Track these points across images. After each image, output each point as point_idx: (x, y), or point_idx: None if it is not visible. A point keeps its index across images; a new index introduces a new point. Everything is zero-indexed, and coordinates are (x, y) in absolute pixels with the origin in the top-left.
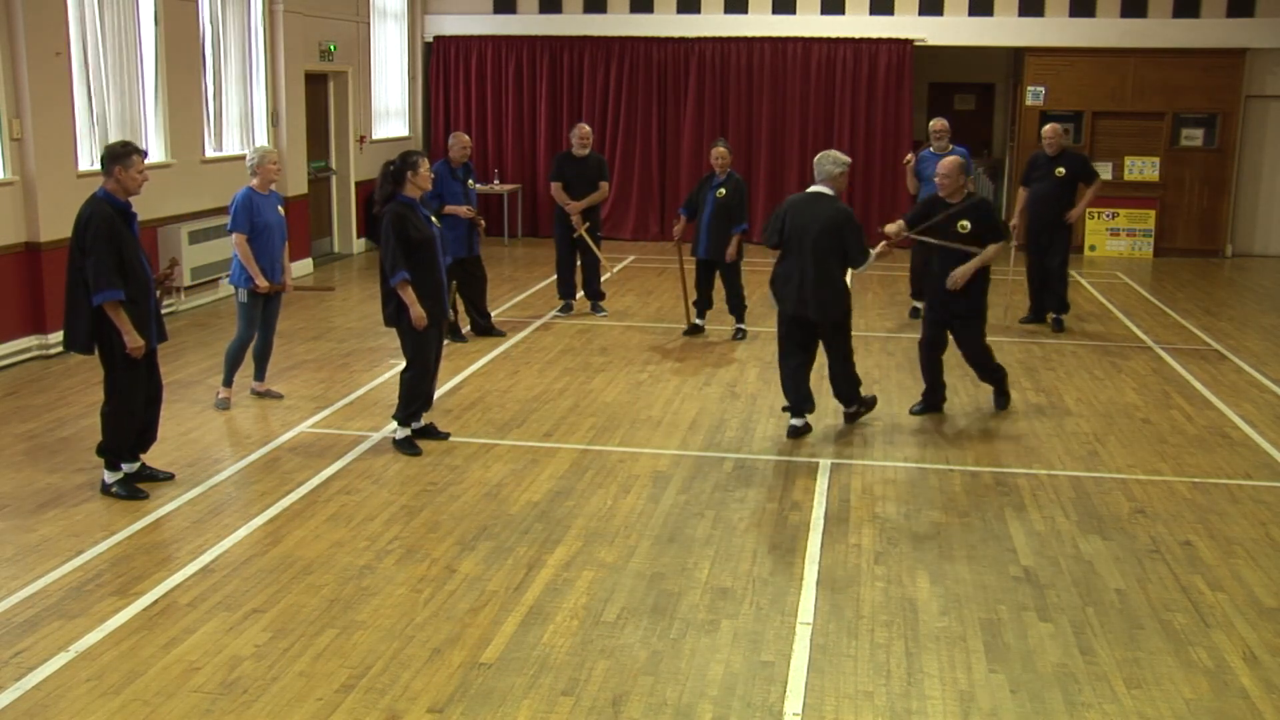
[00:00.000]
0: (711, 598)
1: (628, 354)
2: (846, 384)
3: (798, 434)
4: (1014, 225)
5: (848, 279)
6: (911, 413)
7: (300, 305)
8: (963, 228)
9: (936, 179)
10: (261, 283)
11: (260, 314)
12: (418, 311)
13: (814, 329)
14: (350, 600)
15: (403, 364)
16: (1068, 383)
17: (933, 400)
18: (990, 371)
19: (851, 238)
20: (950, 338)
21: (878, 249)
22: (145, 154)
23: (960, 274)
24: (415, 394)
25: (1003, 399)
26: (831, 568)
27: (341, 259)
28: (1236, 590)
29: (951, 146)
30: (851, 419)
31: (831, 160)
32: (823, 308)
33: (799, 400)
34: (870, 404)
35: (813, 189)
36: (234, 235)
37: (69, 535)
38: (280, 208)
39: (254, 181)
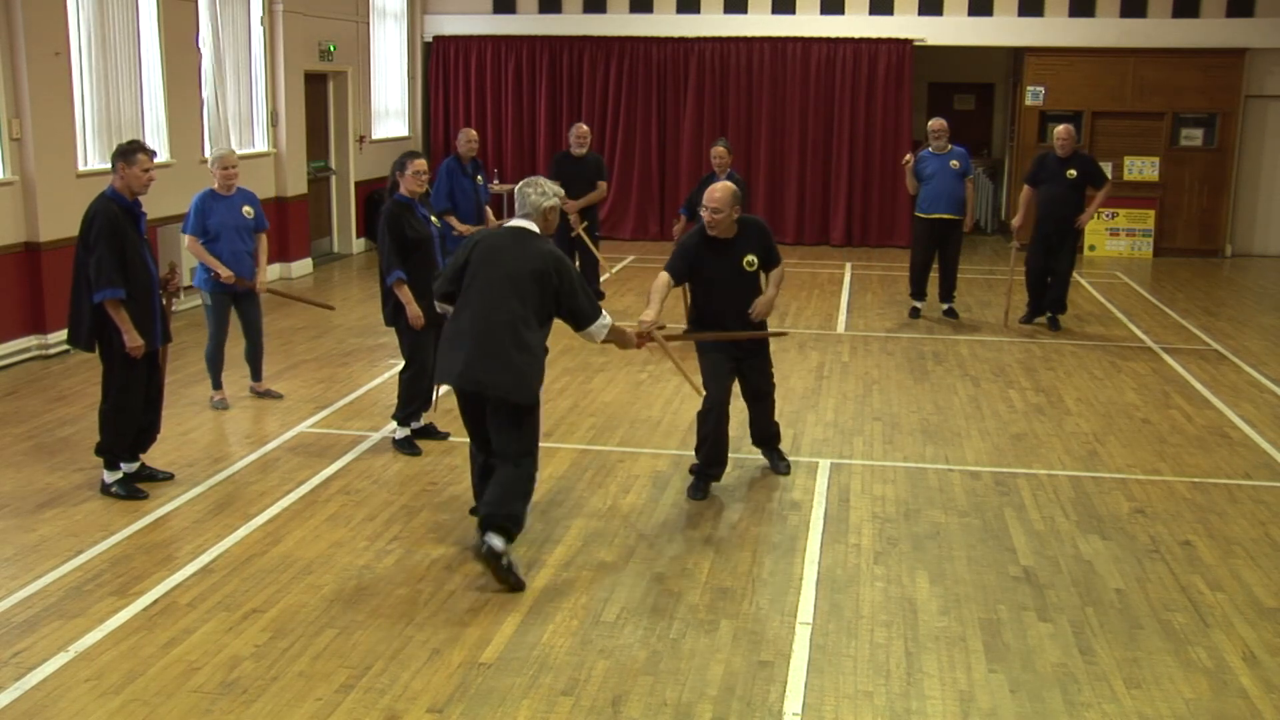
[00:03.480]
0: (711, 598)
1: (627, 354)
2: (510, 497)
3: (495, 559)
4: (1016, 224)
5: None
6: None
7: (301, 305)
8: (749, 264)
9: (704, 213)
10: (223, 271)
11: (230, 314)
12: (414, 311)
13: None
14: (350, 600)
15: (402, 364)
16: (1068, 383)
17: (716, 469)
18: (771, 411)
19: (573, 288)
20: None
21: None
22: (154, 153)
23: (765, 303)
24: (414, 394)
25: (783, 464)
26: (831, 568)
27: (341, 259)
28: (1236, 590)
29: (951, 146)
30: (494, 561)
31: (539, 190)
32: (505, 382)
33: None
34: (519, 529)
35: (512, 223)
36: (185, 237)
37: (69, 535)
38: (247, 209)
39: (215, 183)
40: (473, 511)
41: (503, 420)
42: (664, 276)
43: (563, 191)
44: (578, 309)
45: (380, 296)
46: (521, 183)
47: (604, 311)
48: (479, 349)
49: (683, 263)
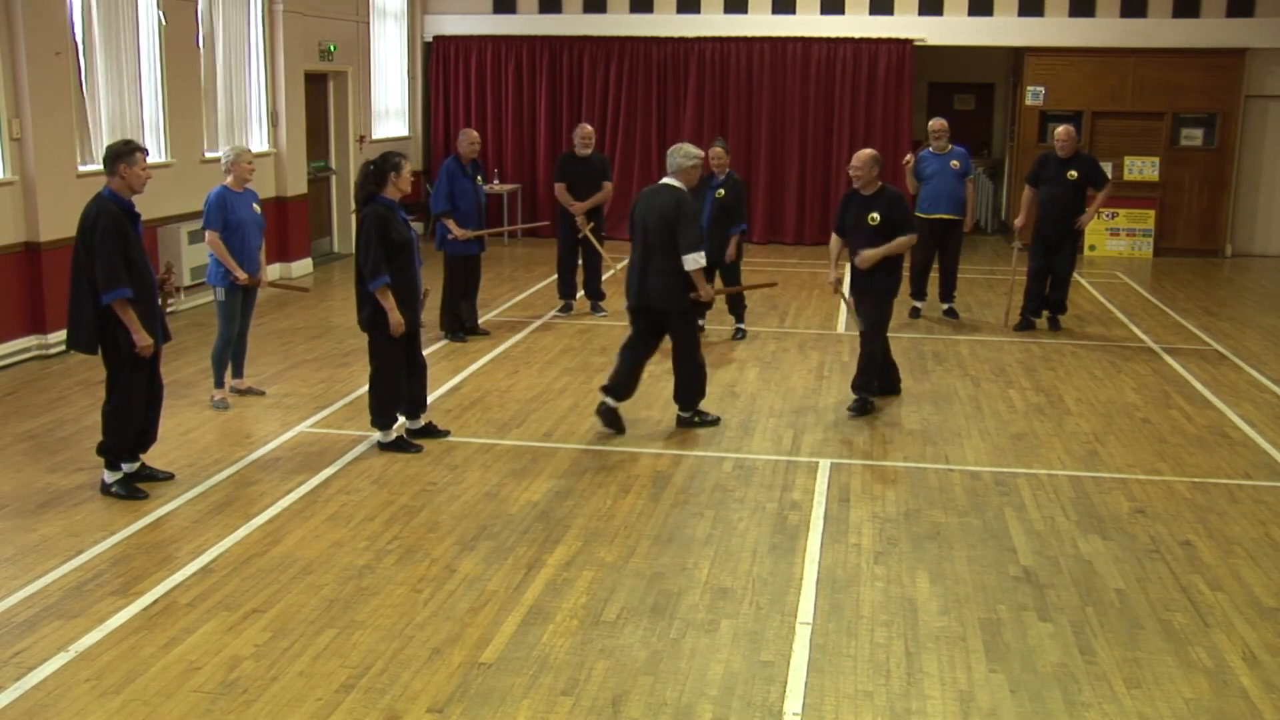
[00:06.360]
0: (711, 598)
1: None
2: (686, 382)
3: (609, 418)
4: (1018, 225)
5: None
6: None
7: (300, 305)
8: (872, 220)
9: (850, 171)
10: (240, 275)
11: (239, 311)
12: (396, 318)
13: (658, 320)
14: (350, 600)
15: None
16: (1068, 383)
17: (888, 384)
18: (870, 359)
19: (682, 227)
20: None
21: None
22: (147, 151)
23: (869, 256)
24: (385, 399)
25: (861, 404)
26: (831, 568)
27: (341, 259)
28: (1236, 590)
29: (951, 146)
30: (685, 421)
31: (682, 154)
32: (660, 297)
33: (617, 386)
34: (711, 420)
35: (663, 180)
36: (207, 233)
37: (69, 535)
38: (256, 205)
39: (228, 179)
40: (602, 388)
41: (667, 321)
42: (834, 238)
43: (701, 153)
44: (681, 239)
45: (355, 300)
46: (671, 148)
47: (701, 252)
48: (639, 275)
49: (838, 219)
